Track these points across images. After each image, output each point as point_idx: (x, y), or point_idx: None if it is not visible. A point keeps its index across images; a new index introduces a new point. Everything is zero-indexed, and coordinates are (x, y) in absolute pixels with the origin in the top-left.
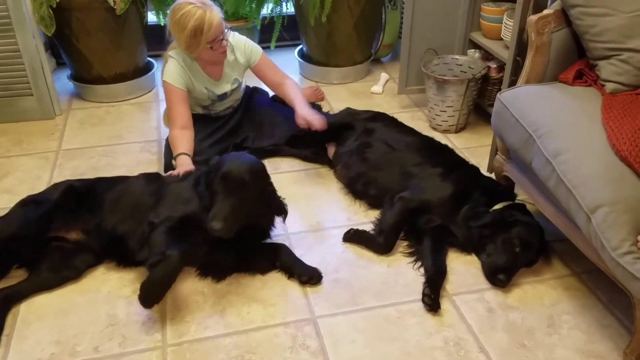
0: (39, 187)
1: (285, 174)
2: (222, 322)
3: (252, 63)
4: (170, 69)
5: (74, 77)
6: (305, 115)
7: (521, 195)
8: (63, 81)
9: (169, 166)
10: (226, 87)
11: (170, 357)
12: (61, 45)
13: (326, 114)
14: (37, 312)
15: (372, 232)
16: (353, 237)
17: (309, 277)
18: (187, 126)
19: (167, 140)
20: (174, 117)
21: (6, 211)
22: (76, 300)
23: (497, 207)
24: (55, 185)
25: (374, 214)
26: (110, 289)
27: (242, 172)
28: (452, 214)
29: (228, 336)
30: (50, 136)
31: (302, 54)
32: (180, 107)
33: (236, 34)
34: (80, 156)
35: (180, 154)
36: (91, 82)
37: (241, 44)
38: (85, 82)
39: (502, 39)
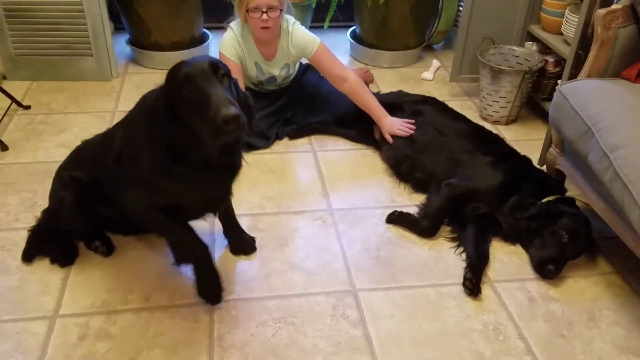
0: None
1: (331, 152)
2: (267, 286)
3: (309, 54)
4: (225, 41)
5: (132, 42)
6: (391, 128)
7: (571, 191)
8: (120, 45)
9: None
10: (275, 70)
11: (217, 313)
12: (123, 10)
13: (375, 94)
14: (92, 259)
15: (416, 215)
16: (397, 219)
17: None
18: None
19: None
20: None
21: (58, 164)
22: (129, 254)
23: (546, 200)
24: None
25: (418, 198)
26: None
27: (202, 63)
28: (499, 203)
29: (272, 299)
30: (107, 97)
31: (353, 35)
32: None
33: (297, 23)
34: None
35: None
36: (148, 48)
37: (298, 35)
38: (142, 47)
39: (562, 34)
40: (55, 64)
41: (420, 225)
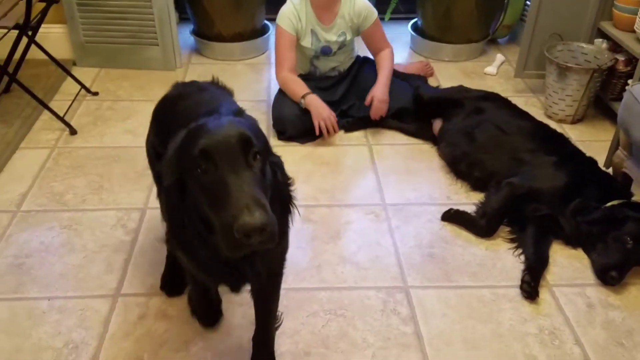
0: None
1: (387, 146)
2: (318, 277)
3: (365, 25)
4: (283, 12)
5: (196, 33)
6: (376, 95)
7: (638, 195)
8: (184, 35)
9: (278, 120)
10: (332, 37)
11: None
12: (188, 1)
13: (435, 89)
14: (153, 244)
15: (473, 214)
16: (453, 217)
17: None
18: (295, 71)
19: (275, 95)
20: (282, 59)
21: (129, 150)
22: None
23: (611, 204)
24: None
25: (476, 197)
26: None
27: (228, 136)
28: (562, 205)
29: (322, 290)
30: (169, 86)
31: (415, 28)
32: (289, 51)
33: None
34: None
35: (307, 94)
36: (211, 39)
37: (360, 2)
38: (205, 38)
39: (634, 31)
40: (123, 52)
41: (478, 225)
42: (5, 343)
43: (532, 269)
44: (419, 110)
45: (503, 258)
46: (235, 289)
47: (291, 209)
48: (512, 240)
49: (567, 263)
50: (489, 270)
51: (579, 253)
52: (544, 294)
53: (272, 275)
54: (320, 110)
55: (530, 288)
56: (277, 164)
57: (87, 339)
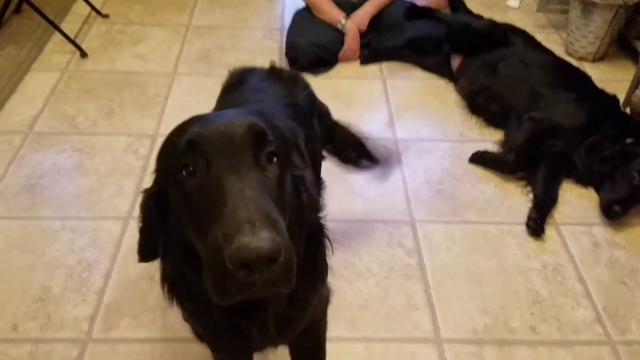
0: (169, 58)
1: (402, 81)
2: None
3: None
4: None
5: None
6: (352, 17)
7: None
8: None
9: (290, 47)
10: None
11: None
12: None
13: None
14: None
15: (499, 152)
16: (480, 157)
17: None
18: None
19: (291, 22)
20: None
21: (140, 76)
22: None
23: (627, 141)
24: None
25: (489, 133)
26: None
27: (232, 125)
28: (578, 142)
29: (329, 222)
30: (182, 12)
31: None
32: None
33: None
34: (208, 35)
35: (346, 19)
36: None
37: None
38: None
39: None
40: None
41: (505, 160)
42: (20, 260)
43: (539, 207)
44: (439, 43)
45: (512, 196)
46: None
47: (323, 242)
48: (522, 178)
49: (577, 202)
50: (497, 207)
51: (590, 192)
52: (550, 231)
53: (311, 325)
54: (355, 41)
55: (537, 225)
56: (301, 180)
57: (99, 258)
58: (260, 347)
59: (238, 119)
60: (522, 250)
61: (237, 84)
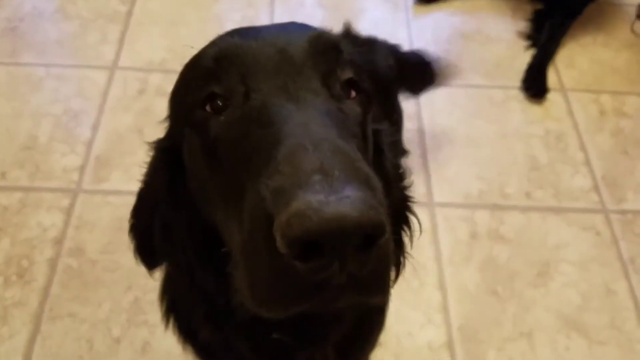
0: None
1: None
2: None
3: None
4: None
5: None
6: None
7: None
8: None
9: None
10: None
11: None
12: None
13: None
14: (150, 15)
15: None
16: None
17: None
18: None
19: None
20: None
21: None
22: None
23: None
24: None
25: None
26: None
27: (284, 36)
28: None
29: None
30: None
31: None
32: None
33: None
34: None
35: None
36: None
37: None
38: None
39: None
40: None
41: None
42: (5, 107)
43: (537, 66)
44: None
45: (522, 59)
46: None
47: (408, 221)
48: (527, 37)
49: (588, 68)
50: (505, 70)
51: (603, 57)
52: (556, 96)
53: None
54: None
55: (532, 85)
56: (383, 136)
57: (86, 108)
58: None
59: (297, 28)
60: (526, 115)
61: None
